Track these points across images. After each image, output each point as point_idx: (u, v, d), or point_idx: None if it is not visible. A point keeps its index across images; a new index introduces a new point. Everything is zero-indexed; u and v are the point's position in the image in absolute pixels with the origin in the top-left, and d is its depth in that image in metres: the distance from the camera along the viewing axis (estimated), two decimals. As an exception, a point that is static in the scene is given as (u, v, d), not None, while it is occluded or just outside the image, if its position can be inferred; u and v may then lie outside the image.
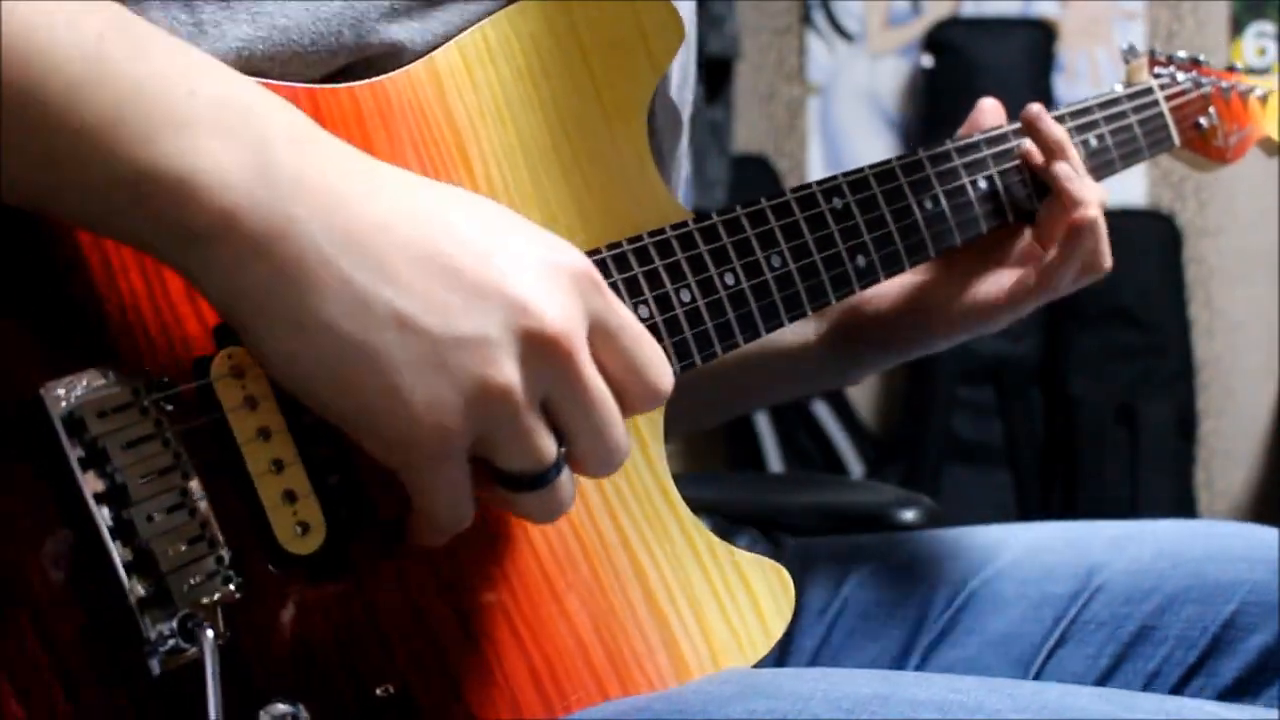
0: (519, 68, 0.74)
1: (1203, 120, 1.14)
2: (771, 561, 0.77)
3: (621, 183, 0.77)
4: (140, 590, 0.57)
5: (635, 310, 0.75)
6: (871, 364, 1.08)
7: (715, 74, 2.83)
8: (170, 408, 0.60)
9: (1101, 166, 1.04)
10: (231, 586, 0.59)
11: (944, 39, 2.95)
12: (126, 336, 0.60)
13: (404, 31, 0.73)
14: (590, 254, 0.74)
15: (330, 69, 0.71)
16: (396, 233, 0.57)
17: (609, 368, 0.62)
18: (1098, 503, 2.79)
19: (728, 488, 1.55)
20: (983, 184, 0.96)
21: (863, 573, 1.03)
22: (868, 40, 3.03)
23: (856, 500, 1.47)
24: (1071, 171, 0.96)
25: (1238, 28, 2.95)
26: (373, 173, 0.59)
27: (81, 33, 0.54)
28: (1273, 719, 0.67)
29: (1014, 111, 1.02)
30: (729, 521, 1.19)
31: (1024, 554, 1.00)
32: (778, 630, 0.77)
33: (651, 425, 0.77)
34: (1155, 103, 1.10)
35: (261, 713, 0.59)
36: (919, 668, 0.98)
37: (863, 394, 3.02)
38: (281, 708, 0.59)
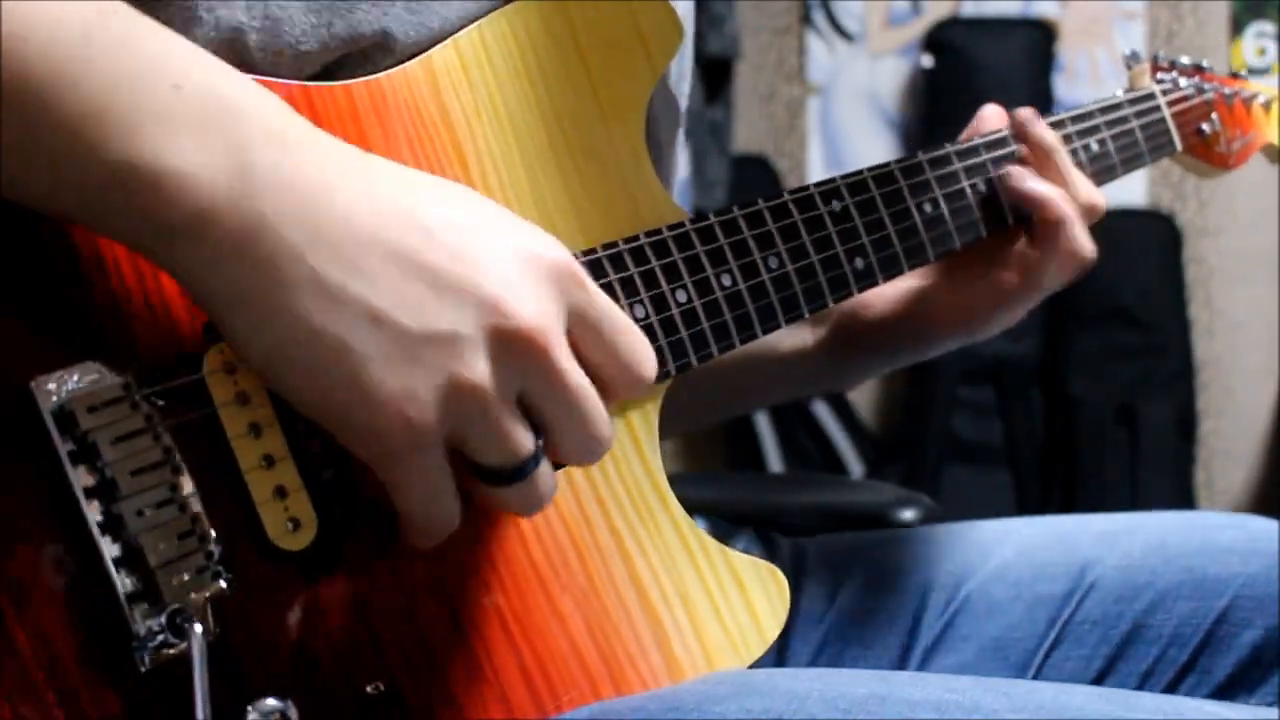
0: (516, 67, 0.74)
1: (1205, 126, 1.14)
2: (767, 564, 0.77)
3: (618, 182, 0.77)
4: (129, 585, 0.58)
5: (631, 310, 0.75)
6: (869, 369, 1.08)
7: (715, 74, 2.83)
8: (161, 403, 0.60)
9: (1103, 171, 1.03)
10: (221, 582, 0.60)
11: (944, 39, 2.95)
12: (118, 331, 0.60)
13: (395, 21, 0.72)
14: (586, 253, 0.74)
15: (322, 62, 0.71)
16: (372, 229, 0.58)
17: (591, 358, 0.63)
18: (1098, 503, 2.79)
19: (727, 488, 1.55)
20: (982, 187, 0.96)
21: (857, 577, 1.03)
22: (868, 40, 3.03)
23: (856, 500, 1.47)
24: (1025, 173, 0.95)
25: (1238, 28, 2.95)
26: (353, 166, 0.59)
27: (68, 22, 0.54)
28: (1272, 718, 0.67)
29: (1014, 113, 1.02)
30: (726, 521, 1.18)
31: (1016, 554, 1.00)
32: (772, 633, 0.77)
33: (647, 425, 0.77)
34: (1157, 108, 1.10)
35: (250, 709, 0.59)
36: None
37: (863, 394, 3.02)
38: (271, 704, 0.59)
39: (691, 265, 0.78)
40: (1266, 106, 1.21)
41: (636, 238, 0.76)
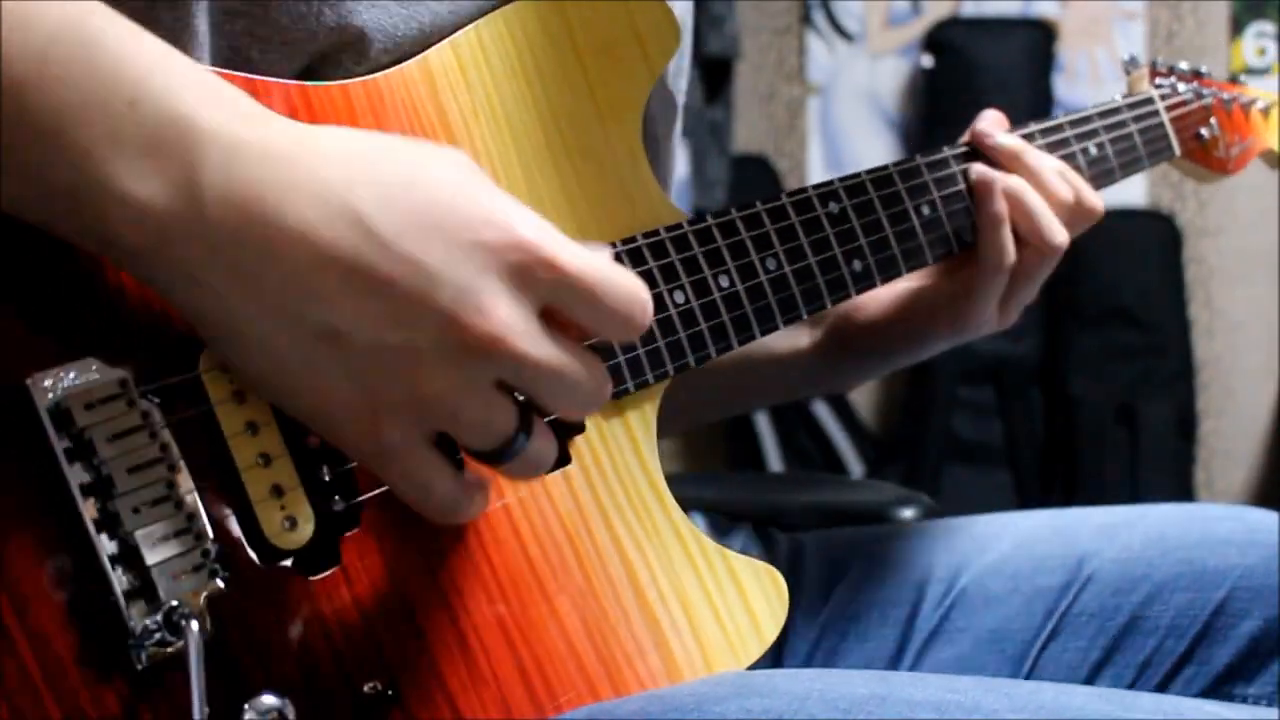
0: (513, 67, 0.74)
1: (1204, 131, 1.14)
2: (766, 565, 0.77)
3: (615, 182, 0.77)
4: (125, 583, 0.58)
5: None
6: (864, 370, 1.08)
7: (715, 74, 2.83)
8: (157, 400, 0.60)
9: (1101, 175, 1.04)
10: (218, 581, 0.60)
11: (944, 39, 2.95)
12: (115, 328, 0.60)
13: (379, 13, 0.72)
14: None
15: (307, 57, 0.71)
16: (326, 245, 0.56)
17: (581, 323, 0.61)
18: (1098, 503, 2.77)
19: (727, 487, 1.55)
20: None
21: (854, 570, 1.03)
22: (868, 40, 3.03)
23: (856, 500, 1.46)
24: (980, 165, 0.96)
25: (1238, 28, 2.95)
26: (305, 176, 0.58)
27: (31, 33, 0.54)
28: (1272, 719, 0.67)
29: (1015, 112, 1.02)
30: (724, 519, 1.18)
31: (1014, 547, 1.00)
32: (771, 635, 0.77)
33: (645, 425, 0.77)
34: (1156, 112, 1.10)
35: (247, 707, 0.59)
36: (913, 667, 0.98)
37: (863, 394, 3.02)
38: (268, 702, 0.59)
39: (689, 266, 0.78)
40: (1265, 112, 1.22)
41: (634, 239, 0.76)
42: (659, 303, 0.76)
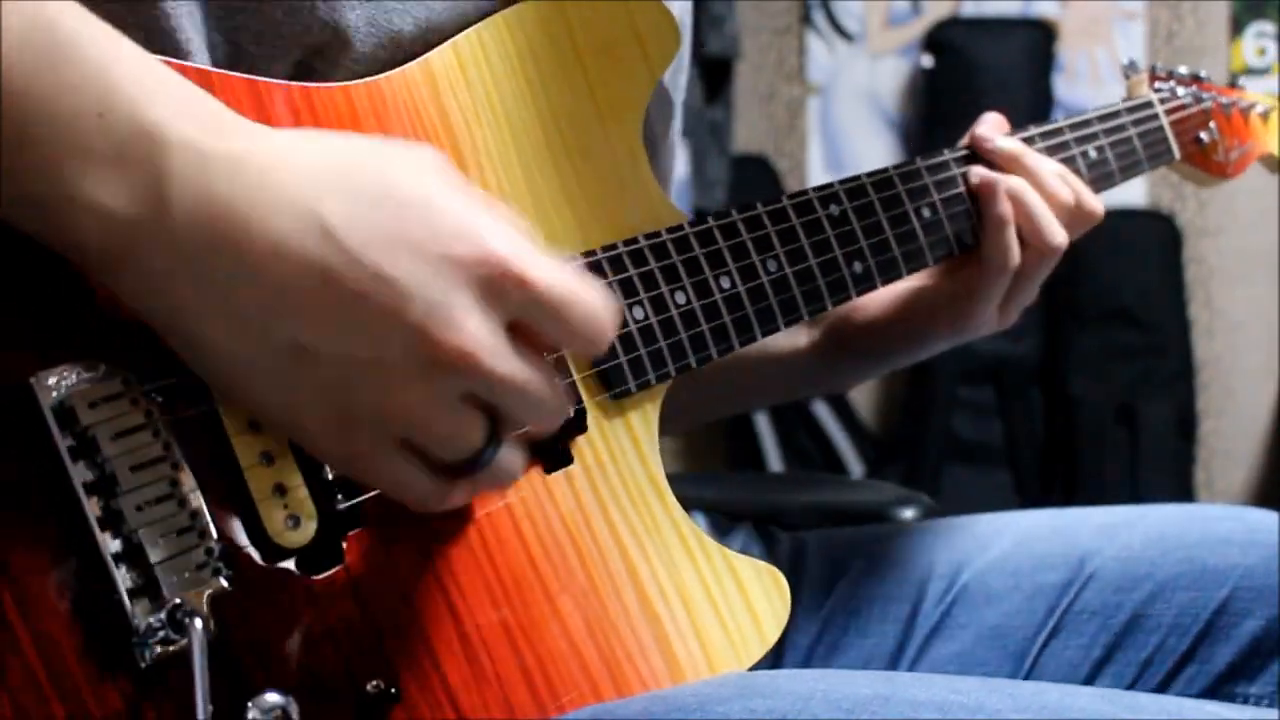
0: (514, 68, 0.75)
1: (1203, 135, 1.15)
2: (768, 565, 0.77)
3: (615, 183, 0.77)
4: (129, 581, 0.58)
5: (630, 312, 0.75)
6: (862, 370, 1.08)
7: (715, 74, 2.83)
8: (161, 399, 0.60)
9: (1101, 178, 1.04)
10: (221, 579, 0.60)
11: (944, 39, 2.95)
12: (118, 327, 0.60)
13: (372, 9, 0.72)
14: (585, 255, 0.74)
15: (301, 51, 0.71)
16: (294, 259, 0.56)
17: (547, 338, 0.62)
18: (1098, 503, 2.78)
19: (727, 487, 1.55)
20: None
21: (855, 568, 1.04)
22: (868, 40, 3.03)
23: (856, 500, 1.46)
24: (980, 168, 0.97)
25: (1238, 28, 2.95)
26: (274, 189, 0.57)
27: (11, 32, 0.53)
28: (1273, 718, 0.67)
29: (1015, 112, 1.02)
30: (725, 518, 1.19)
31: (1015, 544, 1.00)
32: (773, 635, 0.77)
33: (646, 426, 0.77)
34: (1155, 116, 1.11)
35: (251, 705, 0.59)
36: (914, 663, 0.98)
37: (863, 394, 3.03)
38: (271, 700, 0.59)
39: (690, 268, 0.78)
40: (1264, 116, 1.22)
41: (635, 240, 0.76)
42: (660, 303, 0.76)
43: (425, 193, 0.59)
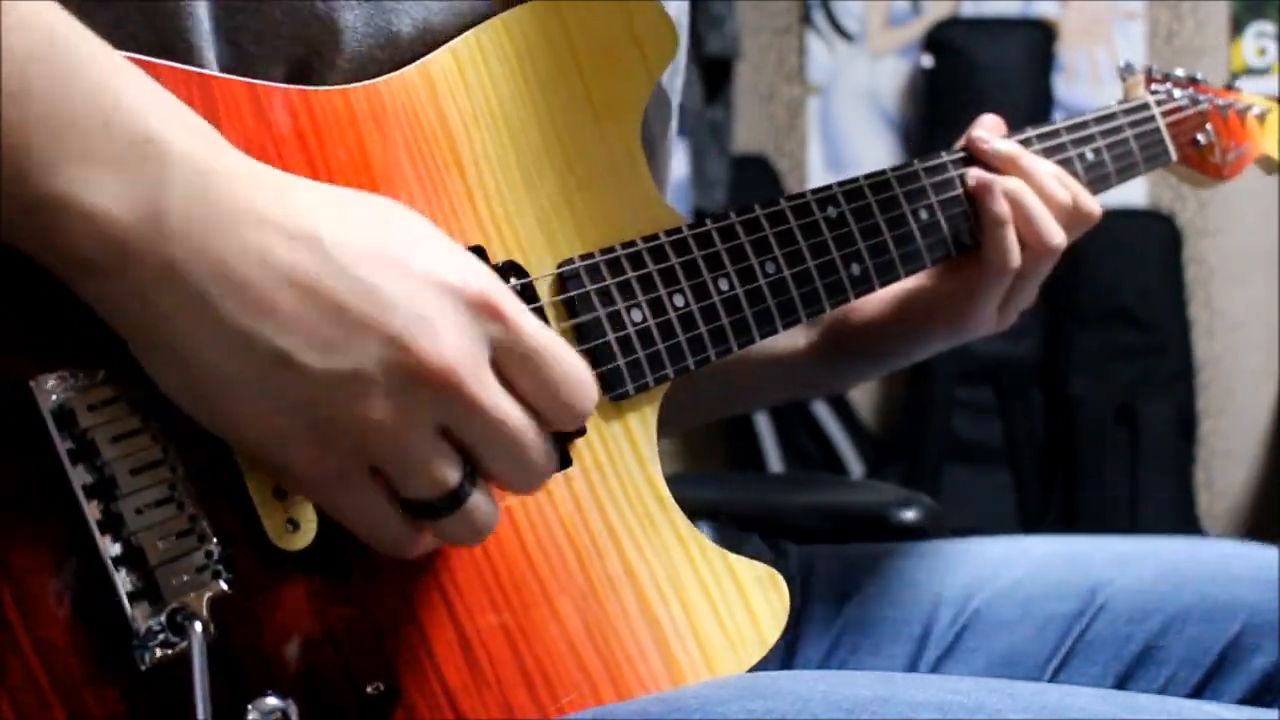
0: (512, 72, 0.75)
1: (1200, 137, 1.15)
2: (767, 566, 0.77)
3: (614, 185, 0.77)
4: (129, 584, 0.58)
5: (628, 315, 0.75)
6: (860, 371, 1.08)
7: (715, 74, 2.83)
8: (160, 402, 0.60)
9: (1098, 180, 1.04)
10: (221, 581, 0.60)
11: (944, 39, 2.95)
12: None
13: (370, 9, 0.73)
14: (583, 258, 0.74)
15: (301, 50, 0.71)
16: (282, 266, 0.57)
17: (522, 389, 0.61)
18: (1098, 503, 2.79)
19: (728, 488, 1.55)
20: None
21: (867, 587, 1.04)
22: (868, 40, 3.03)
23: (856, 500, 1.46)
24: (978, 170, 0.97)
25: (1238, 28, 2.95)
26: (270, 201, 0.58)
27: (10, 53, 0.54)
28: (1272, 718, 0.67)
29: (1015, 112, 1.03)
30: (734, 527, 1.18)
31: (1028, 572, 1.00)
32: (772, 635, 0.77)
33: (645, 428, 0.77)
34: (1152, 118, 1.11)
35: (251, 708, 0.59)
36: None
37: (863, 394, 3.03)
38: (271, 703, 0.59)
39: (688, 270, 0.78)
40: (1261, 118, 1.22)
41: (634, 243, 0.76)
42: (658, 306, 0.76)
43: (419, 227, 0.62)
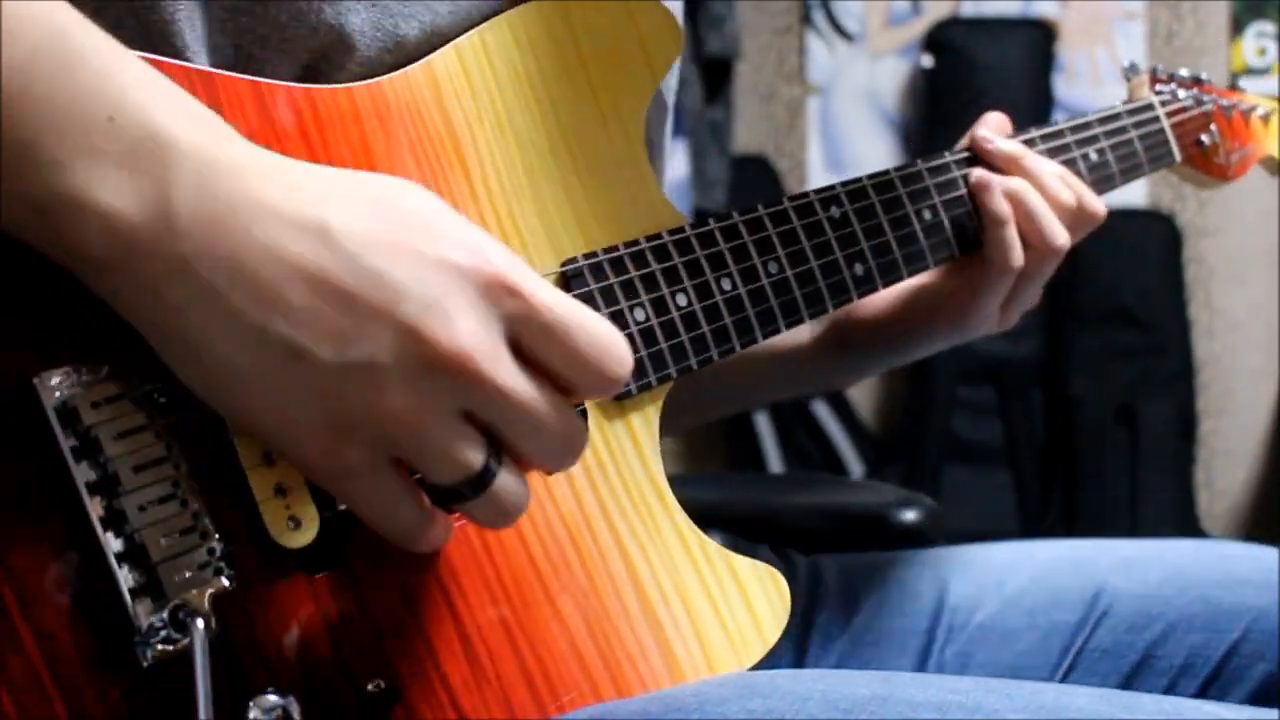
0: (517, 71, 0.75)
1: (1204, 137, 1.15)
2: (767, 566, 0.78)
3: (618, 185, 0.77)
4: (131, 580, 0.58)
5: (631, 314, 0.75)
6: (863, 368, 1.08)
7: (715, 74, 2.83)
8: (163, 399, 0.60)
9: (1102, 180, 1.04)
10: (223, 578, 0.60)
11: (944, 39, 2.95)
12: (121, 328, 0.60)
13: (378, 13, 0.73)
14: (587, 256, 0.74)
15: (306, 55, 0.72)
16: (293, 258, 0.57)
17: (549, 362, 0.60)
18: (1098, 503, 2.79)
19: (728, 488, 1.55)
20: None
21: (873, 596, 1.04)
22: (868, 40, 3.04)
23: (856, 500, 1.46)
24: (981, 170, 0.97)
25: (1238, 28, 2.95)
26: (278, 193, 0.58)
27: (14, 48, 0.54)
28: (1272, 718, 0.67)
29: (1015, 112, 1.03)
30: (744, 539, 1.18)
31: (1033, 578, 1.00)
32: (773, 635, 0.77)
33: (647, 426, 0.77)
34: (1156, 119, 1.11)
35: (252, 705, 0.59)
36: None
37: (863, 394, 3.03)
38: (272, 700, 0.60)
39: (691, 269, 0.78)
40: (1265, 119, 1.22)
41: (636, 242, 0.77)
42: (661, 305, 0.77)
43: (429, 207, 0.60)
